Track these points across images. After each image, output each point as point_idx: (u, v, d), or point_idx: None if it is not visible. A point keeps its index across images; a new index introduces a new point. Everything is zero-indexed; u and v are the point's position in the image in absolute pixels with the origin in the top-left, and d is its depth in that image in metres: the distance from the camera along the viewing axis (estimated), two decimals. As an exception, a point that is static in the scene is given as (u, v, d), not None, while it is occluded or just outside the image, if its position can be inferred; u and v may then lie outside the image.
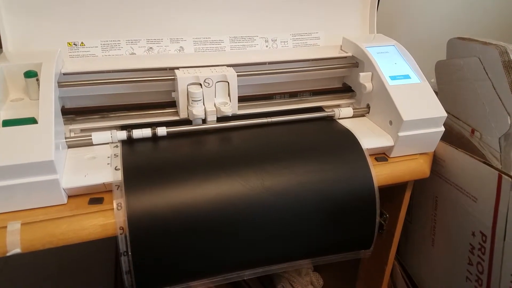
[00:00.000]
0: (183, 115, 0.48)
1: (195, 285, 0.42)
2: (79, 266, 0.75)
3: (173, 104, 0.49)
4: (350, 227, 0.46)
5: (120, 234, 0.37)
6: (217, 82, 0.47)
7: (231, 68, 0.48)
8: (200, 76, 0.46)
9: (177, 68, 0.48)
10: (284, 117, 0.51)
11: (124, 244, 0.37)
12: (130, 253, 0.37)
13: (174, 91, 0.48)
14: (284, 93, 0.56)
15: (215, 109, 0.48)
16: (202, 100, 0.47)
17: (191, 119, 0.48)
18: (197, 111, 0.47)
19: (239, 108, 0.52)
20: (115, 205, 0.38)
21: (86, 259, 0.75)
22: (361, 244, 0.48)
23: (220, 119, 0.49)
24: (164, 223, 0.38)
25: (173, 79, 0.47)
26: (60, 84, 0.44)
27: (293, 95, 0.56)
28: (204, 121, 0.48)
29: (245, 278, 0.48)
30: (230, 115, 0.48)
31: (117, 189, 0.38)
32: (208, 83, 0.46)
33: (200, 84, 0.46)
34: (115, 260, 0.76)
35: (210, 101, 0.48)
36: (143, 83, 0.48)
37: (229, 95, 0.48)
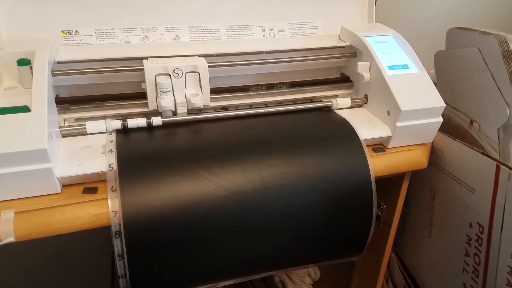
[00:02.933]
0: (152, 106, 0.46)
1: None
2: (75, 262, 0.75)
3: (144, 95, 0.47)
4: (347, 218, 0.45)
5: (115, 226, 0.37)
6: (187, 72, 0.45)
7: (202, 59, 0.46)
8: (169, 67, 0.44)
9: (146, 58, 0.46)
10: (281, 107, 0.50)
11: (118, 237, 0.37)
12: (123, 237, 0.37)
13: (143, 82, 0.46)
14: (282, 84, 0.55)
15: (185, 100, 0.46)
16: (172, 91, 0.45)
17: (160, 111, 0.46)
18: (166, 102, 0.45)
19: (236, 98, 0.52)
20: (109, 188, 0.37)
21: (82, 255, 0.75)
22: (359, 235, 0.47)
23: (215, 110, 0.48)
24: (160, 217, 0.38)
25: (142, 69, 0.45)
26: (53, 73, 0.44)
27: (292, 85, 0.55)
28: (174, 113, 0.46)
29: (240, 282, 0.48)
30: (202, 107, 0.47)
31: (112, 176, 0.38)
32: (178, 74, 0.44)
33: (169, 75, 0.44)
34: (111, 260, 0.76)
35: (181, 92, 0.46)
36: (116, 73, 0.47)
37: (200, 86, 0.46)
